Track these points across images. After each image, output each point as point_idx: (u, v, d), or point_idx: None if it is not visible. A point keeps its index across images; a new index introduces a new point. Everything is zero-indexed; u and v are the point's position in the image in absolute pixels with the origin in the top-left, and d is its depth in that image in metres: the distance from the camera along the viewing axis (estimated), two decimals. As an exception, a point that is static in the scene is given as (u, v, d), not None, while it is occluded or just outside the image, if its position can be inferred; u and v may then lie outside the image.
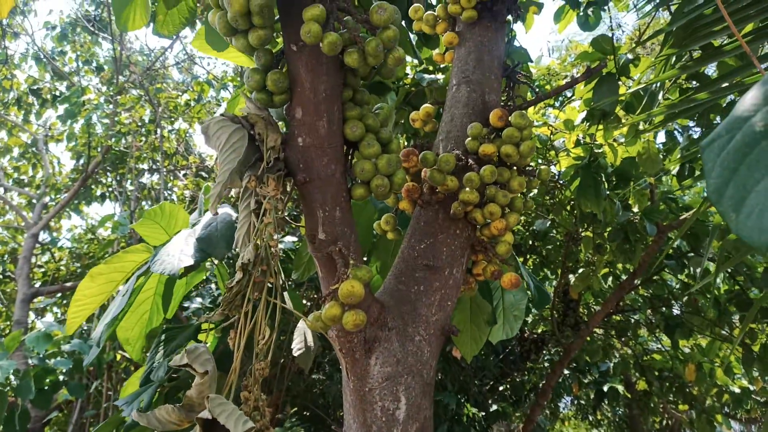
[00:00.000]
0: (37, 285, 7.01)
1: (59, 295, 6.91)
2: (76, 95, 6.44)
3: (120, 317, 1.99)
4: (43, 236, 7.37)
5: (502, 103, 1.71)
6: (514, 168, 1.54)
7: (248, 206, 1.17)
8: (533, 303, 2.50)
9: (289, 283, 4.13)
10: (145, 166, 7.26)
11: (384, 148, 1.26)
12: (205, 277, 2.77)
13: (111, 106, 6.88)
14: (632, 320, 6.29)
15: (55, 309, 7.36)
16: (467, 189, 1.41)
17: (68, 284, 6.67)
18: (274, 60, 1.19)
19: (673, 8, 2.85)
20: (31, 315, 7.09)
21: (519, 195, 1.51)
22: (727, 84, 2.60)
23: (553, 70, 6.29)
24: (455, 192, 1.45)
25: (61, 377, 4.65)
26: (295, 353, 1.87)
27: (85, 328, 6.16)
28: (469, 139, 1.51)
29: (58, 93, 7.38)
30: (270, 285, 1.13)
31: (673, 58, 2.94)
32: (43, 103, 7.44)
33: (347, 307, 1.12)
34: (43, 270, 7.33)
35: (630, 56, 4.02)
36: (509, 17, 1.84)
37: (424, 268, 1.42)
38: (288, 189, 1.22)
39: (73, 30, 7.70)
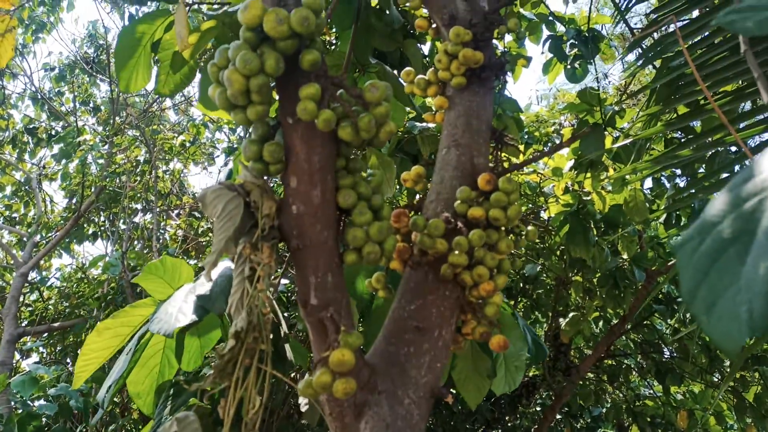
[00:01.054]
0: (24, 324, 6.93)
1: (46, 335, 6.82)
2: (72, 135, 6.51)
3: (125, 376, 1.98)
4: (33, 275, 7.32)
5: (491, 164, 1.77)
6: (502, 229, 1.58)
7: (242, 272, 1.20)
8: (531, 356, 2.52)
9: (294, 330, 4.11)
10: (139, 206, 7.28)
11: (376, 215, 1.30)
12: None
13: (106, 147, 6.94)
14: (624, 365, 6.28)
15: (41, 349, 7.25)
16: (456, 252, 1.45)
17: (56, 324, 6.60)
18: (270, 131, 1.24)
19: (657, 63, 2.95)
20: (17, 355, 6.98)
21: (506, 257, 1.55)
22: (710, 140, 2.68)
23: (541, 117, 6.44)
24: (445, 254, 1.48)
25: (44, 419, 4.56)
26: (302, 408, 1.87)
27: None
28: (459, 202, 1.55)
29: (53, 132, 7.45)
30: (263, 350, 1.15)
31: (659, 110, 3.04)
32: (39, 142, 7.50)
33: (338, 375, 1.13)
34: (30, 309, 7.25)
35: (616, 108, 4.14)
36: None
37: (414, 329, 1.44)
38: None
39: (71, 71, 7.83)
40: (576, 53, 4.46)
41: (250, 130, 1.22)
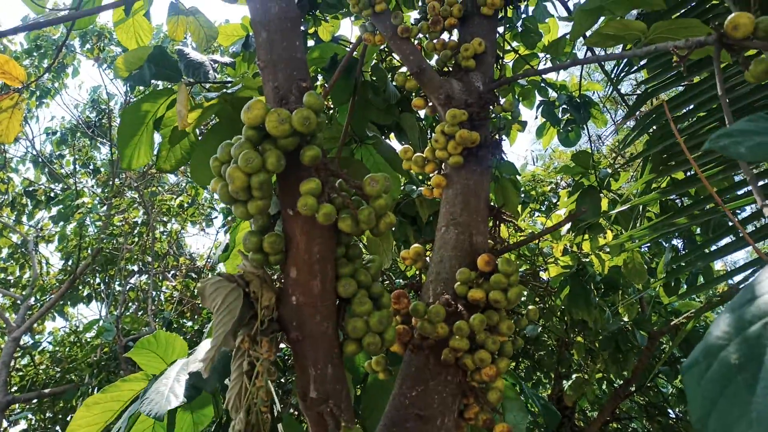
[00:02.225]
0: (14, 390, 6.75)
1: (36, 401, 6.64)
2: (71, 198, 6.54)
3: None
4: (25, 339, 7.19)
5: (490, 241, 1.77)
6: (503, 311, 1.57)
7: (240, 366, 1.18)
8: (544, 424, 2.45)
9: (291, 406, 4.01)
10: (135, 267, 7.24)
11: (375, 303, 1.29)
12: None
13: (104, 208, 6.97)
14: (629, 428, 6.11)
15: (30, 416, 7.03)
16: (458, 337, 1.43)
17: (46, 390, 6.42)
18: (270, 221, 1.25)
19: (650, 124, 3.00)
20: (4, 423, 6.76)
21: (508, 339, 1.53)
22: (706, 207, 2.71)
23: (538, 176, 6.52)
24: (446, 338, 1.47)
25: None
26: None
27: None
28: (458, 283, 1.55)
29: (52, 194, 7.50)
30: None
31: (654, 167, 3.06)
32: (37, 204, 7.53)
33: (338, 476, 1.10)
34: (21, 374, 7.08)
35: (610, 170, 4.19)
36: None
37: (416, 417, 1.40)
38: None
39: (72, 135, 7.96)
40: (568, 118, 4.56)
41: (251, 222, 1.23)
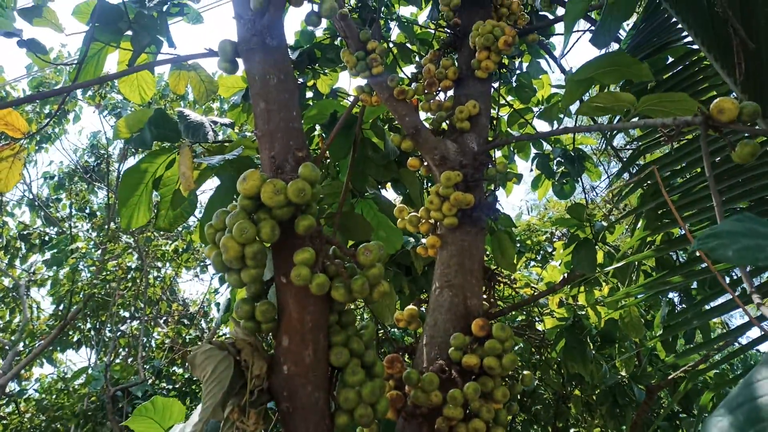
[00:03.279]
0: (-4, 439, 6.53)
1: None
2: (65, 243, 6.52)
3: None
4: (11, 386, 7.03)
5: (485, 303, 1.76)
6: (497, 377, 1.55)
7: (229, 439, 1.15)
8: None
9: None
10: (127, 313, 7.16)
11: (368, 372, 1.27)
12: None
13: (99, 253, 6.94)
14: (629, 486, 5.93)
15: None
16: (451, 405, 1.41)
17: (30, 440, 6.23)
18: (263, 289, 1.24)
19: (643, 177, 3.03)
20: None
21: (503, 407, 1.51)
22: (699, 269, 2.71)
23: (533, 226, 6.55)
24: (440, 406, 1.44)
25: None
26: None
27: None
28: (453, 349, 1.53)
29: (47, 238, 7.48)
30: None
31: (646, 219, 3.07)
32: (31, 248, 7.50)
33: None
34: (5, 422, 6.88)
35: (605, 223, 4.22)
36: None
37: (408, 490, 1.37)
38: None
39: (70, 179, 8.00)
40: (563, 171, 4.61)
41: (245, 290, 1.22)
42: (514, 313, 5.26)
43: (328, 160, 2.70)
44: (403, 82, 4.53)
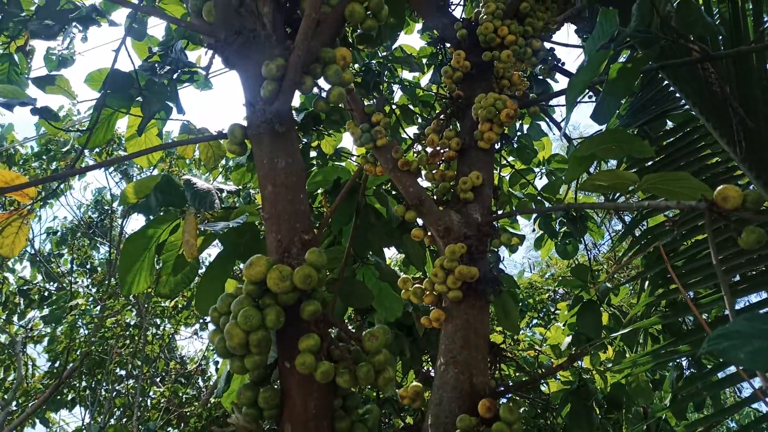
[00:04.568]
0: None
1: None
2: (64, 299, 6.47)
3: None
4: (1, 447, 6.80)
5: (491, 379, 1.73)
6: (506, 461, 1.50)
7: None
8: None
9: None
10: (124, 372, 7.02)
11: (373, 460, 1.23)
12: None
13: (98, 309, 6.87)
14: None
15: None
16: (458, 493, 1.36)
17: (17, 506, 5.99)
18: (266, 373, 1.22)
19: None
20: None
21: (512, 493, 1.45)
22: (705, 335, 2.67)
23: (535, 283, 6.50)
24: (446, 493, 1.39)
25: None
26: None
27: None
28: (458, 431, 1.49)
29: (46, 293, 7.43)
30: None
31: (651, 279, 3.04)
32: (30, 304, 7.44)
33: None
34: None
35: (609, 284, 4.19)
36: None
37: None
38: None
39: (73, 234, 8.03)
40: (566, 230, 4.62)
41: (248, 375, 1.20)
42: (518, 373, 5.16)
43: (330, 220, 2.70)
44: (405, 143, 4.61)
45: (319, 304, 1.14)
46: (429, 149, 2.26)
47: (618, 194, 3.45)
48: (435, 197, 2.17)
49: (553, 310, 6.24)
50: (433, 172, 2.23)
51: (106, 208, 8.05)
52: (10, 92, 2.71)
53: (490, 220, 1.99)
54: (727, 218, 1.08)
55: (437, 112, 3.09)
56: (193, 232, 1.86)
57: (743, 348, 0.65)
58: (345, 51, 1.24)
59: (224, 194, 2.03)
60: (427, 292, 1.92)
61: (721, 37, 2.19)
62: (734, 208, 1.04)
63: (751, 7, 2.05)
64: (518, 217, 4.92)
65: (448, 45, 3.12)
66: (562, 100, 3.13)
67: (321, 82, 1.33)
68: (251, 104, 1.20)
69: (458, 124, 2.38)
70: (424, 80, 5.35)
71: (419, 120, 4.50)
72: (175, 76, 3.21)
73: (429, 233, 2.09)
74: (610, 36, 1.65)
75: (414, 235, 2.12)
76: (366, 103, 2.14)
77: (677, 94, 2.82)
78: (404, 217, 2.10)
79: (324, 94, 1.31)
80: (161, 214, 2.16)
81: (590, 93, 3.50)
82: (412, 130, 5.51)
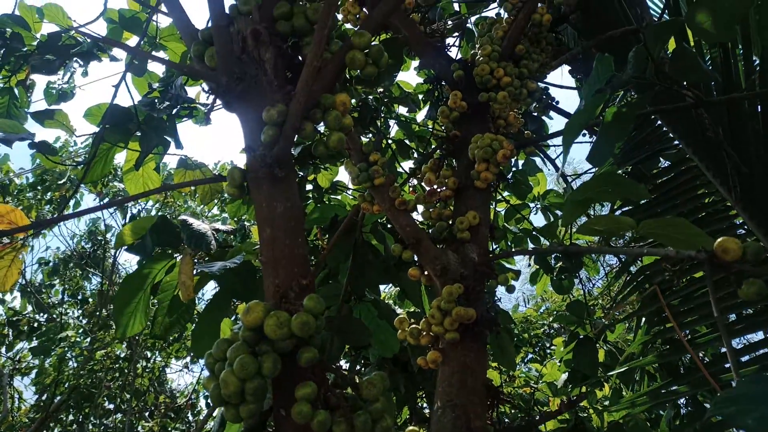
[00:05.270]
0: None
1: None
2: (54, 331, 6.38)
3: None
4: (-17, 484, 6.61)
5: (489, 422, 1.70)
6: None
7: None
8: None
9: None
10: (112, 405, 6.88)
11: None
12: None
13: (88, 341, 6.77)
14: None
15: None
16: None
17: None
18: (261, 421, 1.20)
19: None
20: None
21: None
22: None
23: (530, 318, 6.47)
24: None
25: None
26: None
27: None
28: (457, 479, 1.46)
29: (36, 324, 7.32)
30: None
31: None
32: (19, 335, 7.33)
33: None
34: None
35: (605, 321, 4.17)
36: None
37: None
38: None
39: (65, 265, 7.97)
40: (561, 266, 4.62)
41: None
42: (514, 411, 5.09)
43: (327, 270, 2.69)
44: (401, 177, 4.63)
45: (316, 351, 1.13)
46: (426, 188, 2.27)
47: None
48: (432, 236, 2.17)
49: (548, 345, 6.20)
50: (430, 210, 2.23)
51: (99, 238, 8.01)
52: (9, 127, 2.72)
53: (487, 260, 1.99)
54: (727, 269, 1.08)
55: (433, 147, 3.11)
56: (189, 274, 1.85)
57: (751, 414, 0.64)
58: (345, 97, 1.25)
59: (221, 233, 2.03)
60: (424, 333, 1.90)
61: (713, 82, 2.23)
62: (734, 260, 1.04)
63: (741, 51, 2.10)
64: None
65: (444, 83, 3.16)
66: (556, 138, 3.17)
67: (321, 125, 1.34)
68: (251, 149, 1.20)
69: (455, 163, 2.39)
70: (420, 115, 5.41)
71: (415, 155, 4.53)
72: (174, 111, 3.23)
73: (426, 272, 2.08)
74: (606, 80, 1.68)
75: (411, 274, 2.11)
76: (363, 141, 2.16)
77: (671, 134, 2.86)
78: (401, 257, 2.10)
79: (322, 133, 1.32)
80: (157, 253, 2.14)
81: (585, 131, 3.54)
82: (408, 164, 5.54)
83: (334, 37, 1.33)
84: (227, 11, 1.35)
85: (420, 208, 2.22)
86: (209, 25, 1.46)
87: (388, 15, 1.30)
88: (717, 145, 2.09)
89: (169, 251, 2.14)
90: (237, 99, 1.25)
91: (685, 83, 1.71)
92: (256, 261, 2.17)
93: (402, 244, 2.10)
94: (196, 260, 1.98)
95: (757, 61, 1.96)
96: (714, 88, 2.22)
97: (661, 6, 3.11)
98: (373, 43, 1.24)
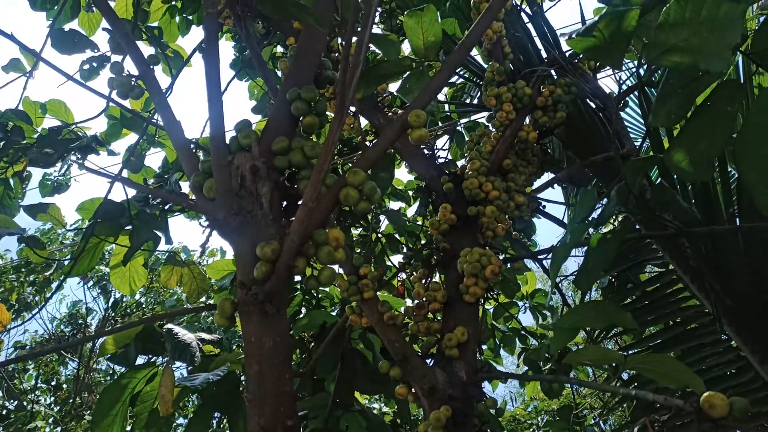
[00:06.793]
0: None
1: None
2: (23, 421, 6.08)
3: None
4: None
5: None
6: None
7: None
8: None
9: None
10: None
11: None
12: None
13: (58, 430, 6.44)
14: None
15: None
16: None
17: None
18: None
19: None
20: None
21: None
22: None
23: (518, 417, 6.29)
24: None
25: None
26: None
27: None
28: None
29: (4, 412, 6.98)
30: None
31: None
32: (-15, 423, 6.96)
33: None
34: None
35: (596, 429, 4.07)
36: None
37: None
38: None
39: (41, 349, 7.71)
40: (551, 367, 4.55)
41: None
42: None
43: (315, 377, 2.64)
44: (390, 270, 4.63)
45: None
46: (415, 301, 2.27)
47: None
48: (420, 352, 2.15)
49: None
50: (419, 323, 2.22)
51: (80, 322, 7.82)
52: (0, 222, 2.73)
53: (475, 380, 1.96)
54: (715, 424, 1.08)
55: (422, 242, 3.12)
56: (169, 387, 1.80)
57: None
58: (338, 233, 1.28)
59: (205, 344, 2.00)
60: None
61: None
62: (721, 417, 1.04)
63: (720, 179, 2.19)
64: (502, 352, 4.86)
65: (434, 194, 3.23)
66: (544, 240, 3.22)
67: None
68: (243, 284, 1.21)
69: (443, 276, 2.41)
70: (411, 211, 5.49)
71: (404, 249, 4.56)
72: (167, 206, 3.26)
73: (413, 390, 2.04)
74: (590, 209, 1.74)
75: (398, 392, 2.07)
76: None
77: (653, 245, 2.92)
78: (389, 374, 2.06)
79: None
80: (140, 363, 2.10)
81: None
82: (397, 259, 5.57)
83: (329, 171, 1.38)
84: (227, 141, 1.40)
85: (409, 324, 2.22)
86: (205, 137, 1.51)
87: (382, 154, 1.36)
88: (700, 274, 2.13)
89: (152, 359, 2.10)
90: (233, 232, 1.27)
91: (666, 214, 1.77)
92: (241, 369, 2.12)
93: (389, 361, 2.08)
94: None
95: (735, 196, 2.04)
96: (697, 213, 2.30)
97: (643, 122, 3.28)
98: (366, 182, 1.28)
